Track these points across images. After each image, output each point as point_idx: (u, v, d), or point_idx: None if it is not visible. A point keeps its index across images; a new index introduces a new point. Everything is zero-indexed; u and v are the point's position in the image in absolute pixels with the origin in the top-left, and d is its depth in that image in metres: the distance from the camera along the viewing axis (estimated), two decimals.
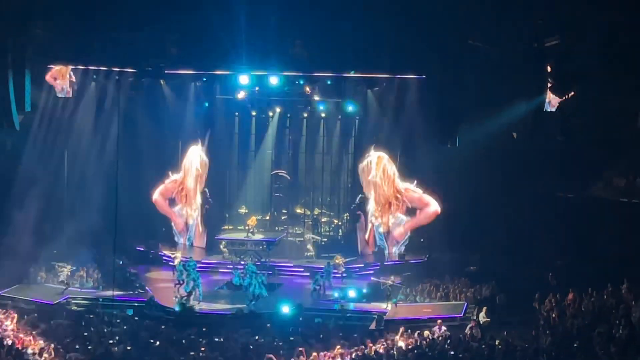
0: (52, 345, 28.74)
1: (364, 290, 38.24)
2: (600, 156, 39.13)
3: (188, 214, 46.53)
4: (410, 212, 43.96)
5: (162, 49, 38.10)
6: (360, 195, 44.72)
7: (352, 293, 37.66)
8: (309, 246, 44.23)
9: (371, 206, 44.41)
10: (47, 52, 37.71)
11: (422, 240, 43.88)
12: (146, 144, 45.02)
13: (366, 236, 44.68)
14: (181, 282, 37.48)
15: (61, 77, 41.41)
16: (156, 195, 46.48)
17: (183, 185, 46.47)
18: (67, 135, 43.38)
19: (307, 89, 42.46)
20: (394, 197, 43.92)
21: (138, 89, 42.01)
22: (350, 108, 44.28)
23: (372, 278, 39.05)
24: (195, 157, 46.05)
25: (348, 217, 46.61)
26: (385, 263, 42.53)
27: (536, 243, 39.82)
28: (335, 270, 39.97)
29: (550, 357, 26.67)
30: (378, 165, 43.98)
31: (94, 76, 42.21)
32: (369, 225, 44.56)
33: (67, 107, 42.94)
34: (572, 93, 32.55)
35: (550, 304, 33.61)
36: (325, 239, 46.13)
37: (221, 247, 43.67)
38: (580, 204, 39.95)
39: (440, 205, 42.91)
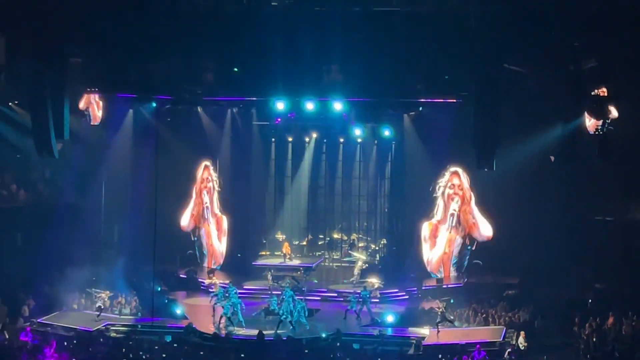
0: None
1: (401, 315, 38.11)
2: (638, 179, 38.89)
3: (208, 233, 46.83)
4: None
5: (199, 75, 38.40)
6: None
7: (390, 318, 37.54)
8: (356, 271, 44.11)
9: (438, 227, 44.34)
10: (85, 80, 38.12)
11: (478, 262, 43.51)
12: (183, 170, 45.39)
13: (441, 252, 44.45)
14: (222, 306, 37.46)
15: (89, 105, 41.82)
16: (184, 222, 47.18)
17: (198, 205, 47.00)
18: (105, 163, 43.76)
19: (344, 114, 42.43)
20: (469, 221, 43.80)
21: (175, 115, 42.30)
22: (386, 132, 44.26)
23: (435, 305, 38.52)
24: (201, 172, 46.72)
25: (385, 242, 46.52)
26: (424, 288, 42.21)
27: (575, 266, 39.59)
28: (372, 295, 39.90)
29: None
30: (460, 183, 43.82)
31: (132, 103, 42.55)
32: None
33: (104, 135, 43.34)
34: (610, 115, 32.35)
35: (590, 328, 33.37)
36: (365, 264, 45.96)
37: (268, 275, 43.41)
38: (619, 227, 39.66)
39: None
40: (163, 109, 41.52)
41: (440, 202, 44.11)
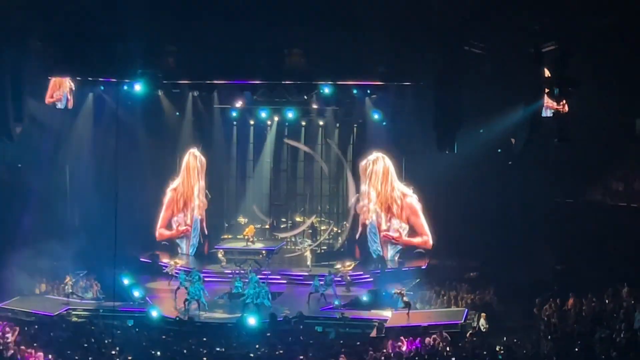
0: (53, 357, 28.70)
1: (364, 298, 38.23)
2: (598, 161, 39.27)
3: (189, 220, 46.67)
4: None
5: (160, 59, 38.17)
6: (357, 195, 45.04)
7: (365, 298, 37.70)
8: (307, 254, 44.29)
9: (369, 206, 44.76)
10: (44, 63, 37.79)
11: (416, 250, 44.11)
12: (145, 154, 45.21)
13: (357, 236, 45.18)
14: (184, 288, 37.47)
15: (58, 88, 41.57)
16: (159, 232, 47.05)
17: (182, 190, 46.69)
18: (66, 147, 43.57)
19: (305, 97, 42.47)
20: (393, 199, 44.17)
21: (135, 99, 42.11)
22: (347, 116, 44.29)
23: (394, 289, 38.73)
24: (190, 157, 46.53)
25: (347, 225, 46.62)
26: (387, 270, 42.47)
27: (536, 248, 39.86)
28: (340, 278, 40.10)
29: None
30: (378, 165, 44.58)
31: (92, 87, 42.33)
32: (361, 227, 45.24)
33: (65, 119, 43.12)
34: (569, 98, 32.55)
35: (550, 309, 33.61)
36: (325, 247, 46.12)
37: (219, 255, 43.69)
38: (579, 209, 40.01)
39: (430, 215, 43.77)
40: (124, 93, 41.25)
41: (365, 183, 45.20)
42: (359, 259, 44.17)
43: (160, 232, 47.00)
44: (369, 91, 41.28)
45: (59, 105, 41.74)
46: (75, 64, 37.25)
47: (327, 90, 40.24)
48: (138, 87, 38.89)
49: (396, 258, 44.57)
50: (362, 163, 44.81)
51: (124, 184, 39.45)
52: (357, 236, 45.47)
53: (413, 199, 44.22)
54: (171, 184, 46.91)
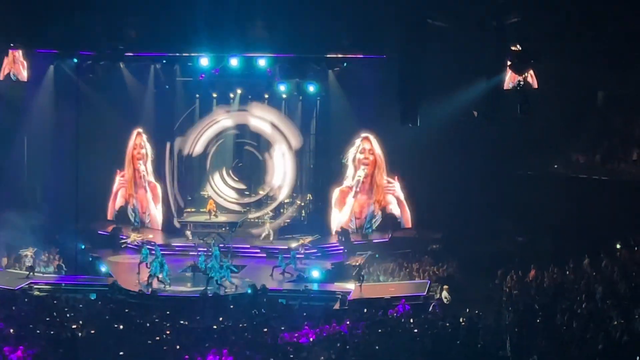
0: (15, 331, 28.51)
1: (327, 271, 38.30)
2: (560, 133, 39.45)
3: (142, 200, 46.69)
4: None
5: (121, 31, 37.88)
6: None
7: (315, 274, 37.73)
8: (269, 227, 44.32)
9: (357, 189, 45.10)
10: (4, 35, 37.39)
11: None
12: (105, 127, 44.83)
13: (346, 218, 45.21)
14: (147, 264, 37.37)
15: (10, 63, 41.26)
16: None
17: (129, 175, 46.99)
18: (25, 120, 43.18)
19: (268, 70, 42.31)
20: (383, 185, 44.61)
21: (97, 72, 41.74)
22: (311, 89, 44.18)
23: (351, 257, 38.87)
24: (135, 139, 46.52)
25: (311, 198, 46.60)
26: (354, 242, 42.59)
27: (498, 220, 40.08)
28: (303, 251, 40.15)
29: (512, 333, 26.84)
30: (371, 148, 44.79)
31: (53, 59, 41.95)
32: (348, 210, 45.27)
33: (25, 91, 42.72)
34: (532, 71, 32.66)
35: (512, 281, 33.82)
36: (288, 220, 46.05)
37: (187, 232, 43.44)
38: (541, 181, 40.18)
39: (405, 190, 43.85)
40: (85, 65, 40.92)
41: (350, 169, 45.09)
42: (323, 231, 44.17)
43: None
44: (332, 64, 41.13)
45: (15, 77, 41.35)
46: (36, 36, 36.97)
47: (289, 63, 40.12)
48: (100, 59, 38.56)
49: (360, 230, 44.63)
50: (351, 150, 45.01)
51: (84, 158, 39.37)
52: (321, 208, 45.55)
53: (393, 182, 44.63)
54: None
